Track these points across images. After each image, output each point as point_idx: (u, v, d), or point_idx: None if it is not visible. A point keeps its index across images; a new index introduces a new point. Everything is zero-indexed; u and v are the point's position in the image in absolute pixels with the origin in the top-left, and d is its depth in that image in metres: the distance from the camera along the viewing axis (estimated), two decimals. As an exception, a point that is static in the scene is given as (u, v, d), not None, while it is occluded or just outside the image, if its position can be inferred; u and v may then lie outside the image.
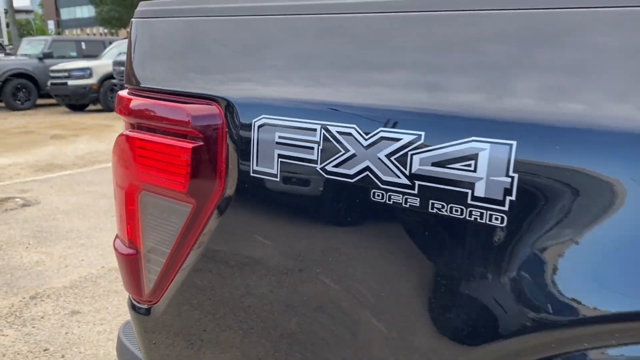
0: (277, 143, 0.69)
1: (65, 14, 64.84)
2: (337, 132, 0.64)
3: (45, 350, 2.45)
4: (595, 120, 0.49)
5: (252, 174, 0.72)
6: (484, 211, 0.54)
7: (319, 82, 0.68)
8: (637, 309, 0.45)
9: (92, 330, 2.60)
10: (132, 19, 0.95)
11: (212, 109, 0.76)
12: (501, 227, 0.53)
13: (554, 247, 0.50)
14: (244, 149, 0.73)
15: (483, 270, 0.54)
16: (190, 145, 0.76)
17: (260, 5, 0.75)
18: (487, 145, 0.53)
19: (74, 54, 13.39)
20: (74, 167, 6.25)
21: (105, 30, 33.58)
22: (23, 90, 12.39)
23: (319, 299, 0.69)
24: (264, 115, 0.71)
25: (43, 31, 47.08)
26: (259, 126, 0.71)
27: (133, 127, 0.90)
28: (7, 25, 29.00)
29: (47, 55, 12.53)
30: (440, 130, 0.57)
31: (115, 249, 0.97)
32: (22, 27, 56.73)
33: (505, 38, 0.54)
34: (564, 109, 0.50)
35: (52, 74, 11.67)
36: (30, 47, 13.48)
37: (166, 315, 0.90)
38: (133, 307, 0.97)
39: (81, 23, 59.67)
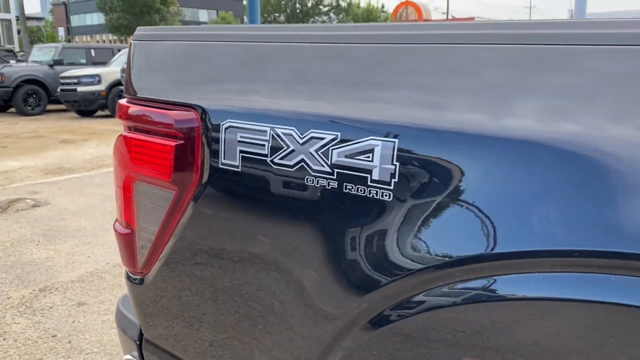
0: (239, 141, 0.89)
1: (76, 20, 65.58)
2: (282, 133, 0.84)
3: (53, 336, 2.66)
4: (443, 125, 0.69)
5: (220, 166, 0.93)
6: (378, 189, 0.73)
7: (269, 96, 0.88)
8: (471, 254, 0.65)
9: (97, 319, 2.80)
10: (131, 41, 1.16)
11: (191, 114, 0.97)
12: (389, 201, 0.72)
13: (422, 213, 0.70)
14: (214, 146, 0.93)
15: (378, 231, 0.74)
16: (173, 143, 0.97)
17: (222, 33, 0.96)
18: (380, 143, 0.73)
19: (83, 61, 13.70)
20: (82, 171, 6.49)
21: (115, 37, 34.09)
22: (34, 96, 12.69)
23: (269, 262, 0.89)
24: (229, 120, 0.91)
25: (53, 38, 47.68)
26: (226, 128, 0.91)
27: (130, 129, 1.10)
28: (19, 32, 29.46)
29: (57, 62, 12.84)
30: (350, 131, 0.77)
31: (115, 230, 1.17)
32: (33, 34, 57.47)
33: (376, 68, 0.76)
34: (425, 117, 0.71)
35: (62, 81, 11.96)
36: (41, 54, 13.80)
37: (154, 284, 1.10)
38: (129, 278, 1.18)
39: (91, 30, 60.38)
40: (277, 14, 34.20)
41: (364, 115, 0.76)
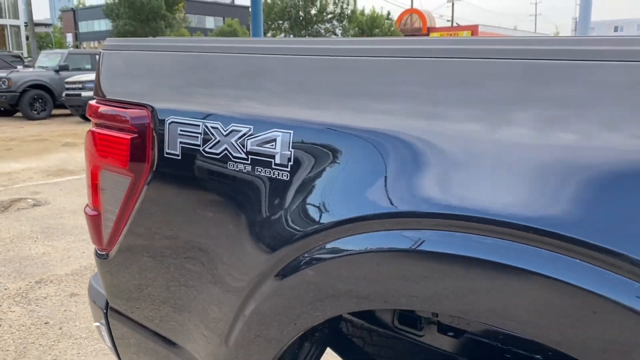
0: (179, 134, 1.08)
1: (84, 27, 66.22)
2: (211, 127, 1.02)
3: (45, 323, 2.85)
4: (322, 121, 0.87)
5: (165, 155, 1.11)
6: (279, 171, 0.92)
7: (201, 98, 1.07)
8: (350, 216, 0.83)
9: (87, 309, 2.99)
10: (101, 50, 1.34)
11: (143, 112, 1.15)
12: (287, 180, 0.91)
13: (309, 187, 0.88)
14: (161, 138, 1.11)
15: (280, 203, 0.92)
16: (129, 137, 1.15)
17: (166, 44, 1.15)
18: (280, 134, 0.91)
19: (88, 66, 13.97)
20: (82, 173, 6.71)
21: (121, 43, 34.36)
22: (39, 101, 12.97)
23: (204, 232, 1.07)
24: (172, 116, 1.09)
25: (61, 44, 48.20)
26: (169, 123, 1.10)
27: (98, 125, 1.29)
28: (27, 37, 29.87)
29: (63, 68, 13.12)
30: (259, 125, 0.95)
31: (85, 213, 1.36)
32: (42, 40, 58.09)
33: (270, 78, 0.95)
34: (311, 115, 0.89)
35: (67, 86, 12.23)
36: (48, 60, 14.09)
37: (116, 258, 1.29)
38: (96, 254, 1.36)
39: (98, 36, 60.99)
40: (280, 21, 34.53)
41: (269, 113, 0.95)
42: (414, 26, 43.88)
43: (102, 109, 1.26)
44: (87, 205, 1.39)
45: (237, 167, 0.98)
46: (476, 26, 42.16)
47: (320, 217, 0.86)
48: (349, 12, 36.15)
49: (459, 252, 0.69)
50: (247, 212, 0.98)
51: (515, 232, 0.66)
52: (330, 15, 35.33)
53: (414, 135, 0.77)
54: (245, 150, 0.97)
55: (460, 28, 43.89)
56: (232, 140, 0.99)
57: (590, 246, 0.62)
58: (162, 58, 1.17)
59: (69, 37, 62.87)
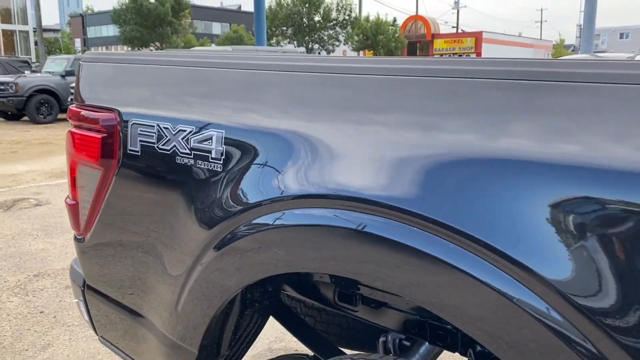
0: (139, 134, 1.28)
1: (92, 32, 66.87)
2: (163, 127, 1.22)
3: (41, 312, 3.05)
4: (248, 123, 1.07)
5: (128, 152, 1.31)
6: (215, 163, 1.11)
7: (156, 104, 1.27)
8: (266, 197, 1.02)
9: (80, 300, 3.19)
10: (80, 61, 1.55)
11: (112, 115, 1.35)
12: (220, 170, 1.11)
13: (238, 176, 1.08)
14: (125, 137, 1.32)
15: (216, 189, 1.12)
16: (100, 136, 1.35)
17: (129, 57, 1.36)
18: (215, 132, 1.11)
19: (94, 71, 14.22)
20: (84, 175, 6.92)
21: (128, 48, 34.89)
22: (46, 105, 13.26)
23: (160, 214, 1.27)
24: (134, 119, 1.30)
25: (69, 49, 48.75)
26: (131, 125, 1.30)
27: (75, 127, 1.49)
28: (36, 43, 30.30)
29: (69, 73, 13.42)
30: (199, 125, 1.15)
31: (66, 203, 1.56)
32: (51, 45, 58.74)
33: (203, 89, 1.14)
34: (239, 119, 1.09)
35: (72, 90, 12.50)
36: (54, 65, 14.41)
37: (91, 241, 1.49)
38: (75, 239, 1.56)
39: (106, 41, 61.64)
40: (284, 28, 34.86)
41: (207, 118, 1.15)
42: (419, 32, 44.07)
43: (79, 112, 1.46)
44: (67, 196, 1.59)
45: (183, 160, 1.18)
46: (480, 32, 42.27)
47: (244, 199, 1.05)
48: (352, 18, 36.42)
49: (331, 223, 0.89)
50: (190, 198, 1.18)
51: (375, 208, 0.86)
52: (333, 22, 35.63)
53: (301, 137, 0.97)
54: (189, 147, 1.17)
55: (464, 35, 44.04)
56: (179, 139, 1.19)
57: (425, 218, 0.81)
58: (128, 70, 1.38)
59: (78, 43, 63.43)
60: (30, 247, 4.12)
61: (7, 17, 32.37)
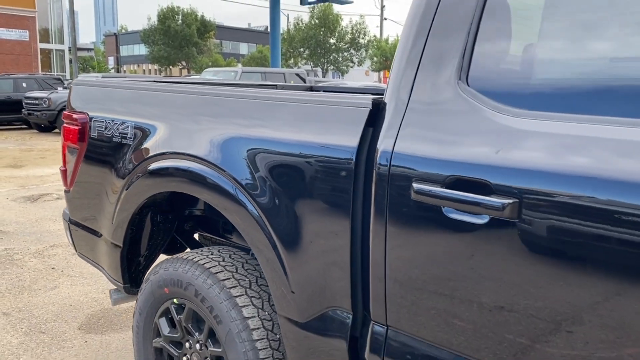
0: (96, 127, 2.29)
1: (125, 51, 69.66)
2: (107, 122, 2.23)
3: (52, 268, 4.08)
4: (144, 119, 2.07)
5: (91, 137, 2.32)
6: (129, 140, 2.11)
7: (110, 108, 2.28)
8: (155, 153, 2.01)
9: (83, 262, 4.21)
10: (71, 84, 2.58)
11: (84, 116, 2.37)
12: (131, 144, 2.10)
13: (144, 145, 2.06)
14: (90, 128, 2.33)
15: (129, 154, 2.11)
16: (77, 128, 2.37)
17: (95, 83, 2.38)
18: (130, 124, 2.11)
19: (119, 89, 15.59)
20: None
21: (157, 67, 36.67)
22: (75, 119, 14.58)
23: (106, 177, 2.27)
24: (94, 118, 2.31)
25: (100, 67, 50.96)
26: (93, 121, 2.31)
27: (66, 123, 2.51)
28: (70, 61, 32.16)
29: (96, 90, 14.74)
30: (123, 120, 2.15)
31: (60, 170, 2.58)
32: (86, 62, 61.46)
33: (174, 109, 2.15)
34: (142, 117, 2.09)
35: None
36: (84, 83, 15.78)
37: (72, 192, 2.50)
38: (65, 191, 2.57)
39: (138, 59, 64.21)
40: (302, 49, 36.20)
41: (127, 117, 2.15)
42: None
43: (69, 114, 2.48)
44: (60, 166, 2.61)
45: (115, 140, 2.18)
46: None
47: (140, 159, 2.05)
48: (367, 41, 37.59)
49: (176, 165, 1.88)
50: (118, 160, 2.17)
51: (196, 159, 1.83)
52: (347, 45, 36.87)
53: (172, 126, 1.96)
54: (118, 132, 2.17)
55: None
56: (114, 128, 2.19)
57: (214, 164, 1.79)
58: (94, 90, 2.40)
59: (111, 61, 66.07)
60: (49, 227, 5.19)
61: (45, 36, 34.52)
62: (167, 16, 33.42)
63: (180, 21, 33.95)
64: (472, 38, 1.32)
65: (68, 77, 30.86)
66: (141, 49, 63.53)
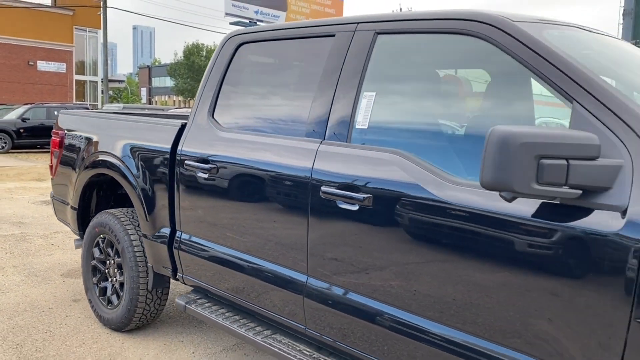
0: (69, 139, 3.88)
1: (157, 82, 73.14)
2: (75, 136, 3.83)
3: (52, 244, 5.68)
4: (93, 133, 3.66)
5: (65, 144, 3.91)
6: (83, 144, 3.69)
7: (76, 129, 3.89)
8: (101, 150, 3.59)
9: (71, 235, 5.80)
10: (59, 113, 4.21)
11: (63, 132, 3.97)
12: (84, 147, 3.68)
13: (91, 145, 3.64)
14: (65, 140, 3.92)
15: (83, 155, 3.69)
16: (58, 139, 3.98)
17: (73, 112, 4.01)
18: (89, 137, 3.70)
19: (138, 118, 17.58)
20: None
21: (181, 98, 39.09)
22: (97, 143, 16.52)
23: (75, 163, 3.85)
24: (68, 134, 3.91)
25: (128, 98, 53.87)
26: (68, 135, 3.91)
27: (53, 136, 4.11)
28: (102, 91, 34.72)
29: (117, 118, 16.72)
30: (84, 135, 3.75)
31: (49, 166, 4.17)
32: (120, 92, 64.93)
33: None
34: (93, 132, 3.68)
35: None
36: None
37: (56, 177, 4.09)
38: (51, 179, 4.16)
39: (166, 91, 67.43)
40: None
41: (85, 134, 3.75)
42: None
43: (55, 131, 4.10)
44: (49, 164, 4.22)
45: (76, 145, 3.77)
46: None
47: (90, 154, 3.62)
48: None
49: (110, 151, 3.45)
50: (78, 158, 3.75)
51: (110, 155, 3.40)
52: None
53: (106, 136, 3.55)
54: (79, 141, 3.76)
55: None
56: (78, 139, 3.78)
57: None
58: (71, 117, 4.01)
59: (144, 91, 69.50)
60: (56, 221, 6.82)
61: (81, 69, 37.34)
62: (192, 52, 35.97)
63: (204, 57, 36.43)
64: (217, 93, 2.86)
65: (99, 106, 33.34)
66: (170, 81, 66.75)
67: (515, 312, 1.67)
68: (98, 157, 3.50)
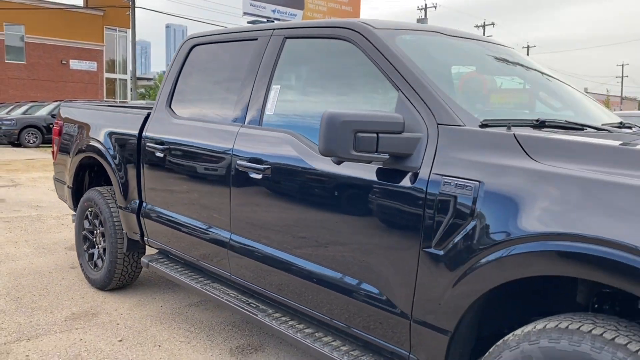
0: (65, 127, 4.53)
1: (186, 80, 74.32)
2: (71, 126, 4.48)
3: (62, 224, 6.38)
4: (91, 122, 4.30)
5: (63, 133, 4.56)
6: (77, 133, 4.33)
7: (73, 118, 4.54)
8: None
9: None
10: (60, 106, 4.87)
11: (61, 122, 4.62)
12: (78, 133, 4.32)
13: (82, 134, 4.28)
14: (63, 128, 4.58)
15: (77, 140, 4.34)
16: (58, 128, 4.64)
17: (72, 104, 4.66)
18: (80, 126, 4.34)
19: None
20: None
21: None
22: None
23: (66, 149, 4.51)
24: (65, 124, 4.56)
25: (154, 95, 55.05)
26: (64, 125, 4.56)
27: (55, 125, 4.78)
28: (131, 89, 35.92)
29: (139, 114, 17.61)
30: (77, 125, 4.39)
31: (52, 151, 4.84)
32: (151, 90, 66.53)
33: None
34: (88, 121, 4.32)
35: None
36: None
37: (57, 159, 4.75)
38: (53, 163, 4.83)
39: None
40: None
41: (82, 120, 4.40)
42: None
43: (56, 121, 4.76)
44: (52, 149, 4.89)
45: (71, 133, 4.42)
46: (536, 87, 43.68)
47: (80, 140, 4.26)
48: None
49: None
50: (71, 144, 4.39)
51: (97, 141, 4.03)
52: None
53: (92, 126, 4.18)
54: (72, 129, 4.40)
55: (520, 89, 45.56)
56: (71, 127, 4.43)
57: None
58: (68, 109, 4.66)
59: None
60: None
61: (111, 67, 38.69)
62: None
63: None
64: (173, 87, 3.46)
65: (128, 103, 34.56)
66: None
67: (355, 248, 2.20)
68: (87, 142, 4.12)
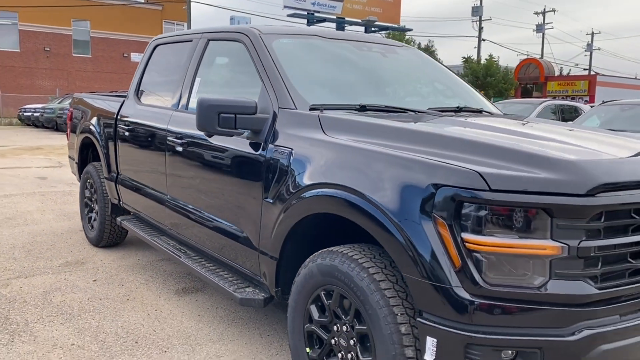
0: (74, 114, 5.45)
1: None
2: (78, 112, 5.39)
3: (69, 194, 7.41)
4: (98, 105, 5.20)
5: (72, 119, 5.49)
6: (80, 119, 5.24)
7: (82, 105, 5.46)
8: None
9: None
10: (73, 96, 5.81)
11: (72, 109, 5.55)
12: (82, 118, 5.22)
13: (86, 120, 5.17)
14: (74, 115, 5.50)
15: (82, 124, 5.24)
16: (70, 114, 5.57)
17: (79, 97, 5.57)
18: (86, 111, 5.24)
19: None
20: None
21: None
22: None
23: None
24: (74, 111, 5.48)
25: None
26: (74, 110, 5.48)
27: (68, 112, 5.71)
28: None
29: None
30: (82, 113, 5.30)
31: (66, 133, 5.78)
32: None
33: None
34: (93, 105, 5.22)
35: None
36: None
37: (69, 142, 5.69)
38: (67, 143, 5.78)
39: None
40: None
41: (86, 106, 5.30)
42: (532, 75, 45.26)
43: (69, 109, 5.69)
44: (66, 131, 5.84)
45: (78, 118, 5.33)
46: (594, 76, 42.38)
47: (83, 123, 5.16)
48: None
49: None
50: (77, 126, 5.30)
51: (93, 125, 4.91)
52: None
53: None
54: (77, 114, 5.32)
55: (577, 77, 44.25)
56: (78, 113, 5.34)
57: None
58: (78, 99, 5.58)
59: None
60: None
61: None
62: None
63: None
64: (140, 78, 4.27)
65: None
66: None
67: (227, 199, 2.92)
68: (86, 125, 5.01)
